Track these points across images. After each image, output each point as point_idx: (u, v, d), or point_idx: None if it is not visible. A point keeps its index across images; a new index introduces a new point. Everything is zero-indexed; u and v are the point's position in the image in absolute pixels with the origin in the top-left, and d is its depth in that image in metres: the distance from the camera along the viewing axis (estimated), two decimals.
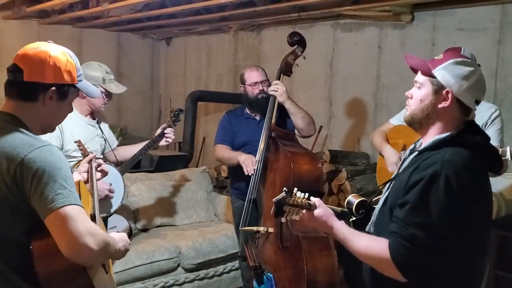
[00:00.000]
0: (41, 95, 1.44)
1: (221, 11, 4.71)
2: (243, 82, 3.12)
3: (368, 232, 1.60)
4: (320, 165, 2.82)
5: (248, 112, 3.14)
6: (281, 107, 3.04)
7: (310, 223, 1.63)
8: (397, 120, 2.83)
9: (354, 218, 1.69)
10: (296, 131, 3.04)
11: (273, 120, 2.90)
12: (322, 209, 1.60)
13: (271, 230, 2.72)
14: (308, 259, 2.52)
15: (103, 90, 2.68)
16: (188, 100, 5.16)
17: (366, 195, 1.74)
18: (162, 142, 2.97)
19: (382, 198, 1.59)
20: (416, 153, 1.51)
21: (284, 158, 2.74)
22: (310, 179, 2.73)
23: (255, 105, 3.06)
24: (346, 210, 1.71)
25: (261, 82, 3.04)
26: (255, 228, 2.78)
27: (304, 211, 1.62)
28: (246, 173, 2.82)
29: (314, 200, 1.62)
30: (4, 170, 1.33)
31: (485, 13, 3.63)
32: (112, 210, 2.82)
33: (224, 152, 3.07)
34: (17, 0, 4.86)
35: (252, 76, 3.06)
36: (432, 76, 1.48)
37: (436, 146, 1.45)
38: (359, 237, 1.52)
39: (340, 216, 1.68)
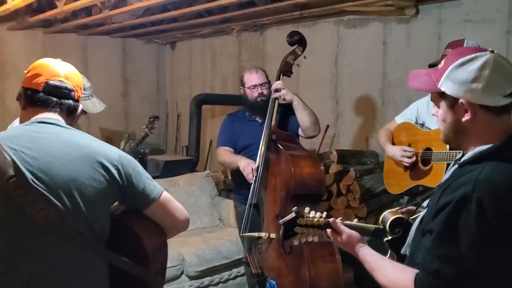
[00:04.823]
0: (77, 112, 1.56)
1: (223, 13, 4.66)
2: (242, 84, 3.05)
3: (404, 256, 1.42)
4: (322, 167, 2.73)
5: (249, 114, 3.08)
6: (283, 109, 2.98)
7: (335, 243, 1.51)
8: (402, 117, 2.75)
9: (389, 238, 1.50)
10: (300, 131, 2.96)
11: (273, 122, 2.83)
12: (346, 236, 1.46)
13: (273, 235, 2.64)
14: (311, 265, 2.44)
15: None
16: (192, 104, 5.12)
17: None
18: None
19: (421, 214, 1.39)
20: (456, 166, 1.30)
21: (285, 162, 2.66)
22: (312, 182, 2.64)
23: (254, 108, 3.00)
24: (381, 227, 1.53)
25: (260, 84, 2.97)
26: (256, 234, 2.71)
27: (329, 230, 1.50)
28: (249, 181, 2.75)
29: (338, 225, 1.49)
30: (108, 166, 1.41)
31: (492, 3, 3.52)
32: None
33: (225, 155, 3.00)
34: (20, 11, 4.86)
35: (252, 78, 2.99)
36: (441, 91, 1.28)
37: (477, 159, 1.23)
38: (384, 267, 1.34)
39: (373, 234, 1.54)
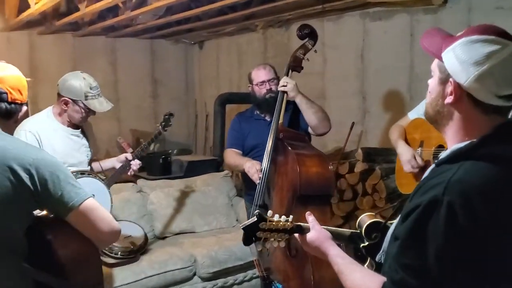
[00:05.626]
0: (17, 114, 1.51)
1: (245, 9, 4.59)
2: (250, 81, 2.98)
3: (379, 263, 1.31)
4: (331, 167, 2.60)
5: (258, 112, 2.99)
6: (293, 107, 2.87)
7: (306, 249, 1.41)
8: (415, 113, 2.57)
9: (366, 244, 1.39)
10: (310, 130, 2.85)
11: (281, 120, 2.73)
12: (315, 232, 1.37)
13: None
14: (315, 269, 2.33)
15: (82, 106, 2.49)
16: (216, 103, 5.07)
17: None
18: (130, 172, 2.76)
19: (397, 219, 1.25)
20: (433, 165, 1.16)
21: (291, 161, 2.55)
22: (319, 182, 2.52)
23: (263, 105, 2.91)
24: (358, 232, 1.43)
25: (268, 80, 2.89)
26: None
27: (297, 235, 1.41)
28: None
29: (309, 221, 1.41)
30: (17, 170, 1.33)
31: None
32: None
33: (231, 158, 2.94)
34: (48, 15, 4.99)
35: (259, 74, 2.91)
36: (442, 60, 1.11)
37: (453, 157, 1.08)
38: (353, 271, 1.22)
39: (349, 240, 1.44)
